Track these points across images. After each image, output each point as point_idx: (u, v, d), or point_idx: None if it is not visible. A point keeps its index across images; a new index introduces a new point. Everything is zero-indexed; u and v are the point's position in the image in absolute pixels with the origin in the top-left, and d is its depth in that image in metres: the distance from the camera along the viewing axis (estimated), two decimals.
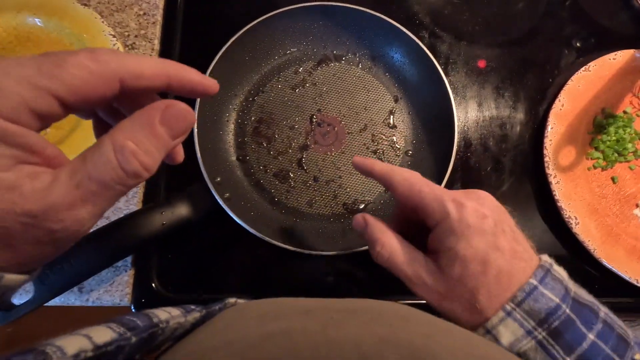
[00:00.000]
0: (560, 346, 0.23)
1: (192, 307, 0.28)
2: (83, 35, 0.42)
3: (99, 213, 0.17)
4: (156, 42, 0.45)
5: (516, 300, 0.23)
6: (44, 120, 0.17)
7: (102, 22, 0.43)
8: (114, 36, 0.43)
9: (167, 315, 0.25)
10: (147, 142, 0.17)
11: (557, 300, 0.23)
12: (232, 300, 0.28)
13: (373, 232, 0.28)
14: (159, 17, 0.46)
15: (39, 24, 0.43)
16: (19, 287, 0.18)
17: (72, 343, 0.17)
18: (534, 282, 0.24)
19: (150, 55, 0.44)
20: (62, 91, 0.16)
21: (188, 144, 0.39)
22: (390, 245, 0.27)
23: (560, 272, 0.25)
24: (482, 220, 0.24)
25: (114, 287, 0.38)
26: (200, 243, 0.40)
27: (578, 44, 0.49)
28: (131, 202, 0.41)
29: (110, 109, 0.21)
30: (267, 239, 0.37)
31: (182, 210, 0.36)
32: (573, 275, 0.43)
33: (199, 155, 0.38)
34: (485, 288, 0.24)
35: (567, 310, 0.23)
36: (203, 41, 0.46)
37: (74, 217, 0.16)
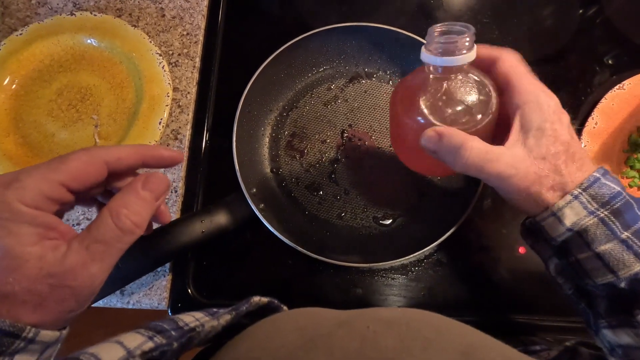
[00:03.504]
0: (619, 223, 0.26)
1: (215, 310, 0.30)
2: (132, 53, 0.46)
3: (106, 268, 0.22)
4: (197, 60, 0.48)
5: (583, 186, 0.26)
6: (60, 205, 0.22)
7: (150, 41, 0.46)
8: (160, 55, 0.46)
9: (192, 319, 0.27)
10: (134, 205, 0.23)
11: (618, 188, 0.26)
12: (256, 298, 0.30)
13: (453, 139, 0.27)
14: (201, 37, 0.48)
15: (93, 43, 0.47)
16: (55, 343, 0.22)
17: (110, 351, 0.20)
18: (597, 175, 0.27)
19: (192, 72, 0.47)
20: (66, 179, 0.21)
21: (226, 157, 0.41)
22: (478, 146, 0.26)
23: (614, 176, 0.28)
24: (563, 114, 0.28)
25: (152, 291, 0.40)
26: (232, 252, 0.42)
27: (610, 62, 0.49)
28: (171, 211, 0.43)
29: (106, 193, 0.26)
30: (298, 248, 0.38)
31: (220, 219, 0.38)
32: None
33: (237, 167, 0.40)
34: (568, 162, 0.27)
35: (627, 197, 0.26)
36: (240, 59, 0.48)
37: (87, 274, 0.21)
